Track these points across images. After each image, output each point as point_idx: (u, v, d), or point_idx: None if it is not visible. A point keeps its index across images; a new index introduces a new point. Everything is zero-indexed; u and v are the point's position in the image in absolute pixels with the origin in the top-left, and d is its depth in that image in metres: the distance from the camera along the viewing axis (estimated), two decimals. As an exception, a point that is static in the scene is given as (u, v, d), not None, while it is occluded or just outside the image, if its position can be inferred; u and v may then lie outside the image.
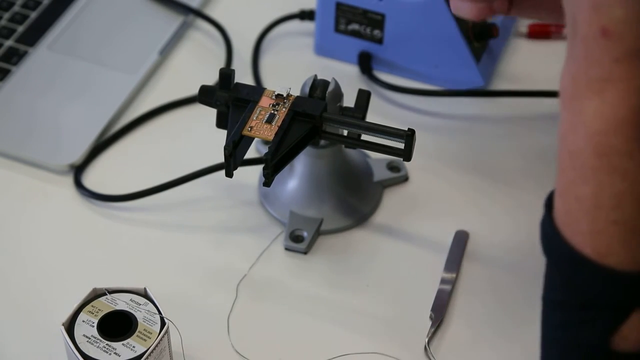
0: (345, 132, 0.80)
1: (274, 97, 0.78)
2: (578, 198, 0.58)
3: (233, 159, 0.75)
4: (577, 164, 0.58)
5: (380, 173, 0.88)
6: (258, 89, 0.79)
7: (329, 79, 0.79)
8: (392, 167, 0.89)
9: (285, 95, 0.77)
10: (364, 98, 0.80)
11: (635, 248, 0.57)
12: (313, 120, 0.77)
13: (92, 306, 0.72)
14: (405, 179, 0.89)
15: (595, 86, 0.57)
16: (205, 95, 0.80)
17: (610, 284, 0.57)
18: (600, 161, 0.57)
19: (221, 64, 0.98)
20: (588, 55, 0.57)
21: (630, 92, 0.56)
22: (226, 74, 0.78)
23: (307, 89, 0.79)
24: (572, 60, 0.59)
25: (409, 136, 0.75)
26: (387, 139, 0.76)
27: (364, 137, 0.79)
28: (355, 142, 0.79)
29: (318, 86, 0.79)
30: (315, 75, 0.80)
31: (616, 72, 0.56)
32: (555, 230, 0.59)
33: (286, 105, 0.77)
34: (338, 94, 0.79)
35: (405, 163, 0.87)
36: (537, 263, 0.84)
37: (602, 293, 0.58)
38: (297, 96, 0.78)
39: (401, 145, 0.76)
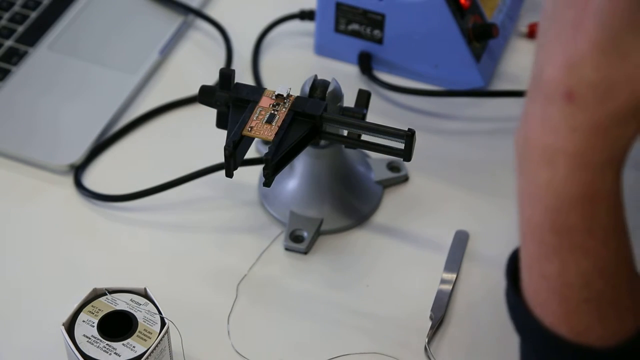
0: (345, 132, 0.80)
1: (274, 97, 0.78)
2: (544, 276, 0.55)
3: (233, 159, 0.75)
4: (537, 239, 0.55)
5: (380, 173, 0.88)
6: (258, 89, 0.79)
7: (329, 79, 0.79)
8: (392, 167, 0.89)
9: (285, 95, 0.77)
10: (364, 98, 0.80)
11: (613, 321, 0.55)
12: (313, 120, 0.77)
13: (92, 306, 0.72)
14: (405, 179, 0.89)
15: (547, 155, 0.53)
16: (205, 95, 0.80)
17: None
18: (560, 239, 0.54)
19: (221, 64, 0.98)
20: (545, 118, 0.53)
21: (582, 168, 0.52)
22: (226, 74, 0.78)
23: (307, 89, 0.79)
24: (529, 119, 0.54)
25: (409, 136, 0.75)
26: (387, 139, 0.76)
27: (364, 137, 0.79)
28: (355, 142, 0.79)
29: (318, 86, 0.79)
30: (315, 75, 0.80)
31: (571, 143, 0.52)
32: (526, 309, 0.56)
33: (286, 105, 0.77)
34: (338, 94, 0.79)
35: (405, 163, 0.87)
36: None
37: None
38: (297, 96, 0.78)
39: (401, 146, 0.76)
